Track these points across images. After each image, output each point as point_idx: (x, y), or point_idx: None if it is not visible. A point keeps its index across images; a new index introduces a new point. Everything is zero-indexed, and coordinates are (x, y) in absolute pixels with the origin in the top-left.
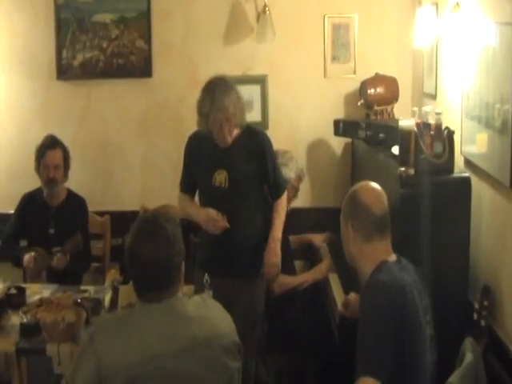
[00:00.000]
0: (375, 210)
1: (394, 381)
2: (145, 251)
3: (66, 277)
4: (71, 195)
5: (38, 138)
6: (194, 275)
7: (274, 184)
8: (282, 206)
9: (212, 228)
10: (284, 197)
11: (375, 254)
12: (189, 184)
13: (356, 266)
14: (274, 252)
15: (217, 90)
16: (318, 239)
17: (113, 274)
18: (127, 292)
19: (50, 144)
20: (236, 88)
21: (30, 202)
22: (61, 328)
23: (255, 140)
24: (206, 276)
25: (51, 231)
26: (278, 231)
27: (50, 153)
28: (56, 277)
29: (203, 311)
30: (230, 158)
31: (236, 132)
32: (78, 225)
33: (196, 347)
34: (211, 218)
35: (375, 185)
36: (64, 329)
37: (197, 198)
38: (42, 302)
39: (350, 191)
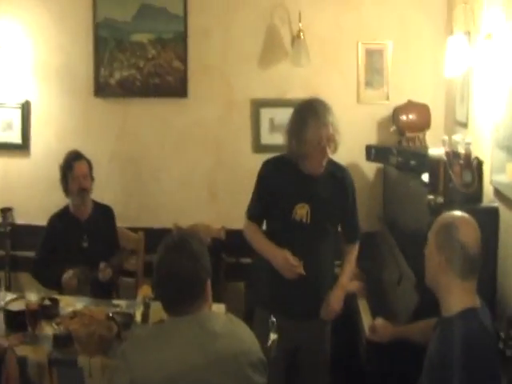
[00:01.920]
0: (472, 250)
1: None
2: (169, 264)
3: (108, 288)
4: (98, 206)
5: None
6: (255, 313)
7: (351, 226)
8: (355, 253)
9: (287, 273)
10: (357, 244)
11: (464, 293)
12: (260, 212)
13: (439, 296)
14: (339, 300)
15: (319, 107)
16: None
17: (145, 290)
18: (158, 308)
19: (76, 156)
20: None
21: (59, 222)
22: (93, 341)
23: (340, 175)
24: (272, 318)
25: (85, 244)
26: (346, 279)
27: (78, 164)
28: (100, 290)
29: (230, 327)
30: (314, 190)
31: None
32: (109, 234)
33: (224, 361)
34: (289, 263)
35: (472, 220)
36: (96, 342)
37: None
38: (75, 314)
39: (446, 221)
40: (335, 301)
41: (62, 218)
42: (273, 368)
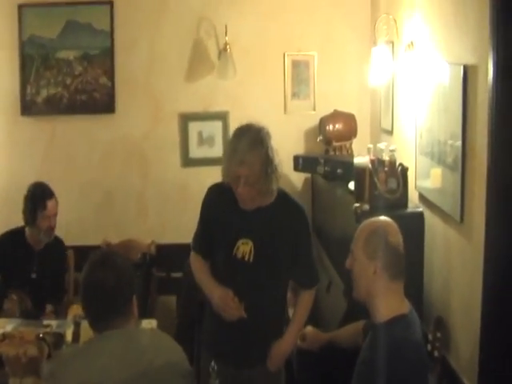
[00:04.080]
0: (401, 250)
1: None
2: (93, 280)
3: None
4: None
5: (1, 173)
6: (201, 356)
7: (306, 270)
8: (308, 302)
9: (224, 314)
10: (313, 290)
11: (394, 297)
12: (204, 243)
13: (368, 304)
14: (284, 354)
15: (244, 139)
16: None
17: (75, 309)
18: (89, 327)
19: (49, 194)
20: (270, 146)
21: (11, 243)
22: (23, 362)
23: (292, 212)
24: (213, 363)
25: (33, 276)
26: (297, 331)
27: (51, 203)
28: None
29: (157, 341)
30: (258, 225)
31: (259, 198)
32: (59, 269)
33: (154, 373)
34: (226, 303)
35: (393, 222)
36: (26, 363)
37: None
38: (4, 337)
39: (371, 229)
40: (279, 354)
41: (15, 242)
42: None
